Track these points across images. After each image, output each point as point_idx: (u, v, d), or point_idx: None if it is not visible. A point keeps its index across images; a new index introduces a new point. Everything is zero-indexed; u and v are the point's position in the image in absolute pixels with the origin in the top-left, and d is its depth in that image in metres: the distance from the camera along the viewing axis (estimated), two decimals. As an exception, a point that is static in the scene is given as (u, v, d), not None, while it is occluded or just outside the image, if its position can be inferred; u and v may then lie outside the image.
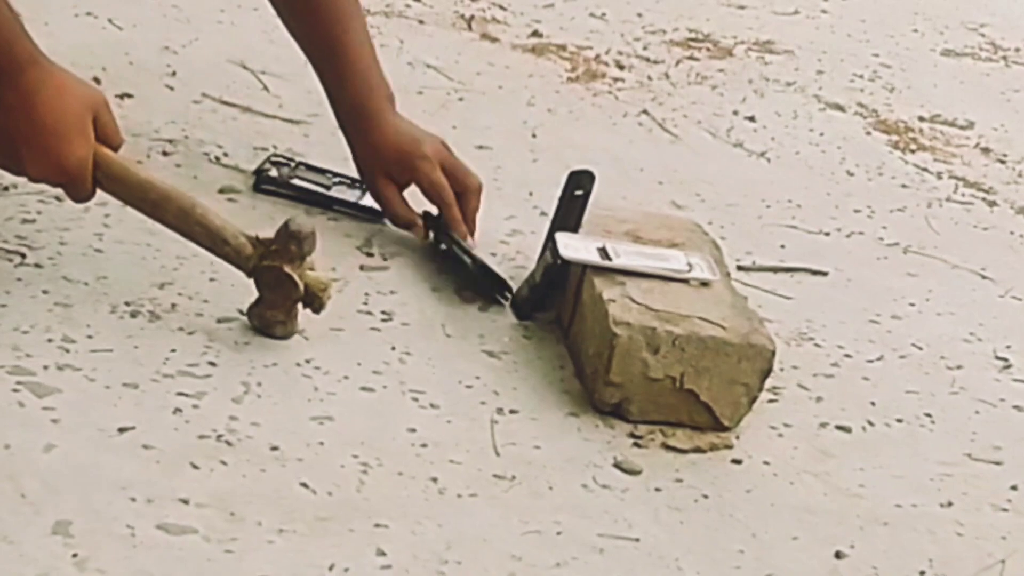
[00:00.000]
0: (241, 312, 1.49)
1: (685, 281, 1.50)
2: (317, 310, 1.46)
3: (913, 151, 2.28)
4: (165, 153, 1.79)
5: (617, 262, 1.51)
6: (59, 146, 1.41)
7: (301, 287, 1.45)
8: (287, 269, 1.45)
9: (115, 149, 1.48)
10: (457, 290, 1.61)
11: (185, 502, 1.21)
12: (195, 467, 1.26)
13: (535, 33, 2.48)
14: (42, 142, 1.41)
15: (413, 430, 1.37)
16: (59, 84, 1.42)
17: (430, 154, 1.69)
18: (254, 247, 1.47)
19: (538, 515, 1.29)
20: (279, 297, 1.45)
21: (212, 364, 1.40)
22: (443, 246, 1.66)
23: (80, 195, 1.48)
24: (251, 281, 1.46)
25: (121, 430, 1.28)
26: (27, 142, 1.40)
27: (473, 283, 1.61)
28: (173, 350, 1.41)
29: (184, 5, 2.23)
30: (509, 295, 1.60)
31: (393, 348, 1.49)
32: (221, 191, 1.73)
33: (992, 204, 2.14)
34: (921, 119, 2.41)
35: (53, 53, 1.96)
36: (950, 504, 1.43)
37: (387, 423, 1.37)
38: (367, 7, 2.43)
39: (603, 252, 1.52)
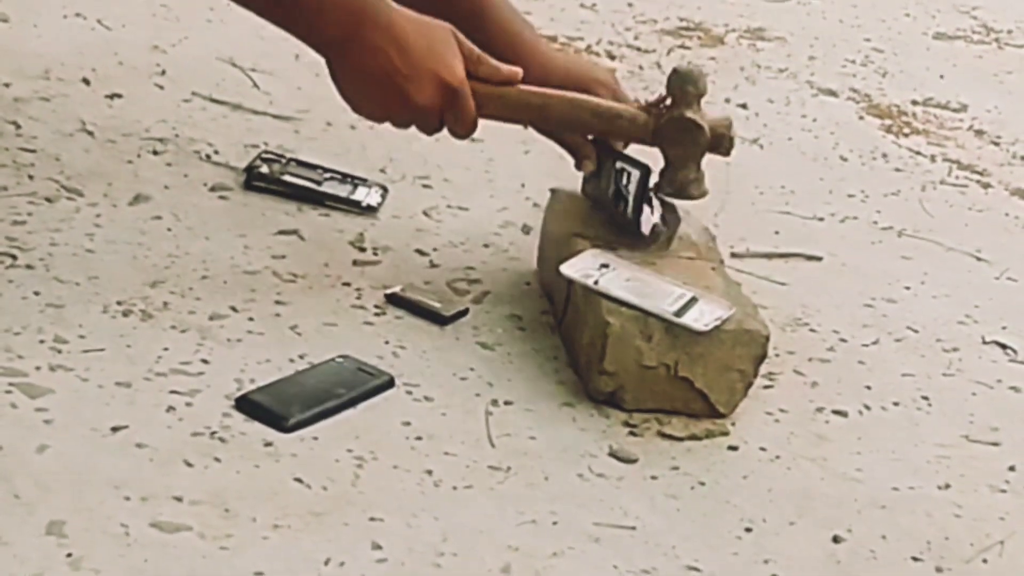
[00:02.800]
0: (234, 309, 1.49)
1: (665, 322, 1.42)
2: (727, 151, 1.45)
3: (906, 135, 2.27)
4: (155, 152, 1.79)
5: (602, 286, 1.45)
6: (437, 65, 1.44)
7: (707, 129, 1.43)
8: (689, 115, 1.43)
9: (481, 62, 1.48)
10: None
11: (179, 500, 1.21)
12: (189, 465, 1.26)
13: (526, 25, 2.47)
14: (422, 67, 1.44)
15: (408, 423, 1.37)
16: (412, 16, 1.46)
17: (603, 79, 1.62)
18: (648, 112, 1.45)
19: (534, 505, 1.29)
20: (689, 149, 1.43)
21: (205, 362, 1.40)
22: (618, 166, 1.52)
23: (466, 116, 1.47)
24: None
25: (114, 429, 1.28)
26: (407, 74, 1.43)
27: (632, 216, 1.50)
28: (166, 348, 1.40)
29: (173, 4, 2.22)
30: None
31: (387, 342, 1.49)
32: (212, 189, 1.72)
33: (986, 186, 2.13)
34: (914, 103, 2.40)
35: (42, 55, 1.98)
36: (948, 486, 1.43)
37: (381, 417, 1.37)
38: None
39: (603, 268, 1.48)
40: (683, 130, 1.43)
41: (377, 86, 1.45)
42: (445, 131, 1.53)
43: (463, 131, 1.50)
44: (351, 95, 1.48)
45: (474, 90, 1.47)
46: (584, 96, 1.49)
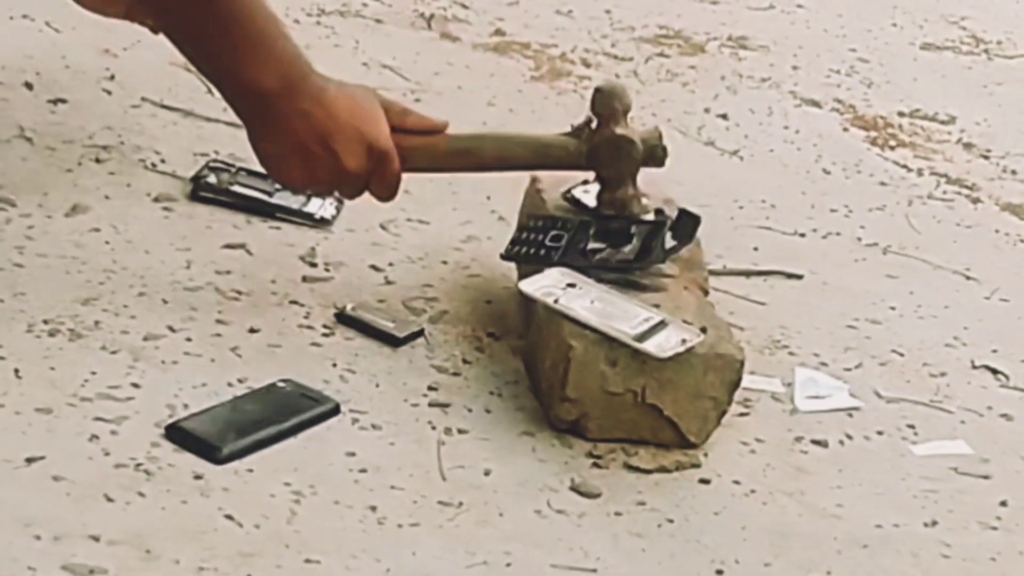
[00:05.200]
0: (171, 328, 1.39)
1: (628, 347, 1.33)
2: (661, 162, 1.43)
3: (892, 147, 2.22)
4: (98, 160, 1.70)
5: (562, 305, 1.37)
6: (366, 127, 1.43)
7: (639, 143, 1.40)
8: (619, 131, 1.41)
9: (406, 114, 1.47)
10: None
11: (96, 539, 1.12)
12: (109, 500, 1.17)
13: (497, 31, 2.40)
14: (351, 130, 1.42)
15: (352, 454, 1.28)
16: (337, 82, 1.46)
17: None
18: (576, 136, 1.44)
19: (486, 545, 1.21)
20: (624, 167, 1.42)
21: (135, 386, 1.31)
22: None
23: (391, 177, 1.45)
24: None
25: (29, 460, 1.19)
26: (335, 136, 1.42)
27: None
28: (93, 372, 1.32)
29: (127, 7, 2.14)
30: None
31: (334, 364, 1.40)
32: (156, 200, 1.64)
33: (976, 201, 2.08)
34: (900, 114, 2.34)
35: (-17, 57, 1.90)
36: (935, 523, 1.36)
37: (323, 447, 1.29)
38: (323, 6, 2.36)
39: (568, 287, 1.40)
40: (616, 148, 1.43)
41: (304, 151, 1.42)
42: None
43: (387, 194, 1.48)
44: (274, 160, 1.44)
45: (400, 144, 1.45)
46: (513, 132, 1.49)
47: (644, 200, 1.45)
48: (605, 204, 1.45)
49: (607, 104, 1.43)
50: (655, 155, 1.44)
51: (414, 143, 1.46)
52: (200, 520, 1.16)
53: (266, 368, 1.37)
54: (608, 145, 1.42)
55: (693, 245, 1.51)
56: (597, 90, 1.44)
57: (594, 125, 1.45)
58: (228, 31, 1.39)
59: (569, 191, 1.54)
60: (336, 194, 1.51)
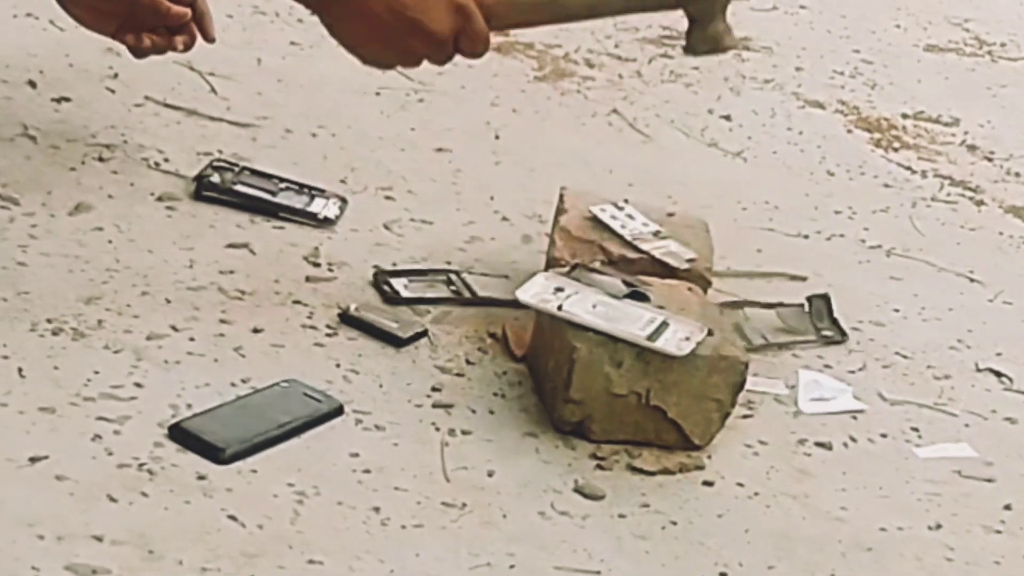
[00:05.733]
0: (174, 328, 1.39)
1: (637, 348, 1.34)
2: None
3: (896, 149, 2.21)
4: (101, 159, 1.70)
5: (566, 311, 1.37)
6: None
7: None
8: None
9: None
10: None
11: (99, 539, 1.11)
12: (112, 500, 1.16)
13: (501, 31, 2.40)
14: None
15: (355, 455, 1.28)
16: None
17: None
18: None
19: (489, 546, 1.20)
20: (713, 2, 1.41)
21: (138, 385, 1.30)
22: None
23: (479, 34, 1.44)
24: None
25: (32, 460, 1.19)
26: (416, 4, 1.40)
27: None
28: (96, 371, 1.31)
29: (131, 5, 2.14)
30: None
31: (338, 365, 1.39)
32: (159, 199, 1.63)
33: (980, 203, 2.07)
34: (904, 116, 2.34)
35: (-11, 55, 1.89)
36: (939, 527, 1.35)
37: (327, 447, 1.28)
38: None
39: (558, 292, 1.40)
40: None
41: (385, 26, 1.42)
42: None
43: (480, 49, 1.47)
44: (358, 42, 1.45)
45: (481, 2, 1.44)
46: None
47: (734, 36, 1.45)
48: (698, 41, 1.44)
49: None
50: None
51: (491, 1, 1.44)
52: (203, 520, 1.16)
53: (269, 368, 1.36)
54: None
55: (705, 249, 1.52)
56: None
57: None
58: None
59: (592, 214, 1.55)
60: (428, 61, 1.48)
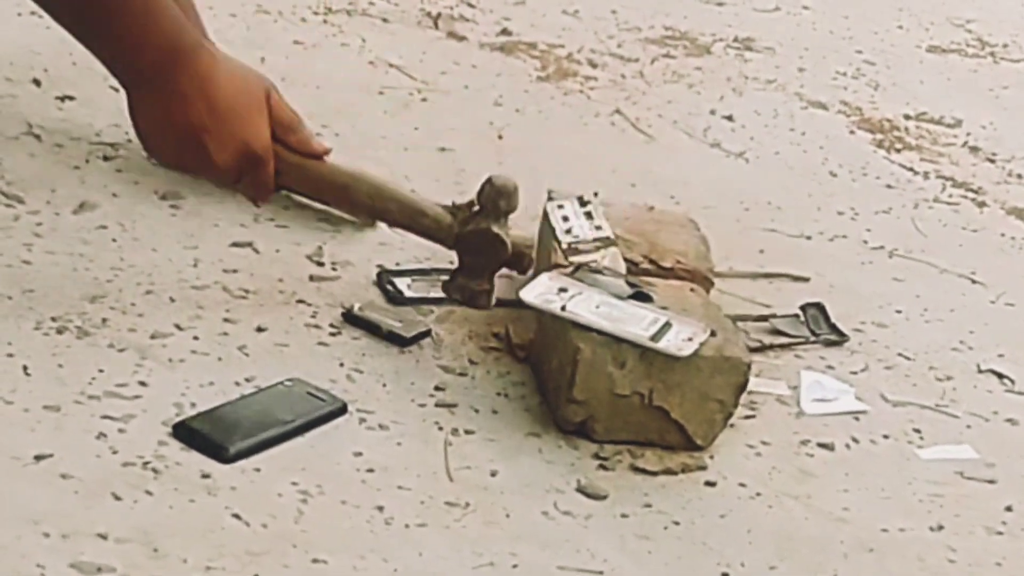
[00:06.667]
0: (179, 327, 1.39)
1: (639, 349, 1.34)
2: (524, 269, 1.41)
3: (898, 150, 2.21)
4: (105, 158, 1.70)
5: (570, 311, 1.37)
6: (243, 128, 1.35)
7: (509, 246, 1.38)
8: (495, 229, 1.38)
9: (292, 130, 1.38)
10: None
11: (104, 537, 1.12)
12: (117, 498, 1.16)
13: (504, 31, 2.39)
14: (226, 127, 1.34)
15: (359, 454, 1.28)
16: (230, 67, 1.36)
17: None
18: (453, 215, 1.40)
19: (493, 546, 1.20)
20: (486, 261, 1.39)
21: (143, 384, 1.31)
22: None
23: (264, 183, 1.38)
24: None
25: (37, 458, 1.19)
26: (210, 129, 1.34)
27: None
28: (101, 369, 1.31)
29: (135, 3, 2.14)
30: None
31: (341, 364, 1.40)
32: (163, 197, 1.63)
33: (981, 205, 2.07)
34: (907, 117, 2.33)
35: (-7, 55, 1.89)
36: (941, 528, 1.35)
37: (331, 447, 1.28)
38: (329, 5, 2.36)
39: (562, 292, 1.39)
40: (486, 242, 1.39)
41: (177, 134, 1.35)
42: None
43: (258, 199, 1.42)
44: (148, 135, 1.37)
45: (280, 156, 1.38)
46: (393, 185, 1.43)
47: (492, 297, 1.41)
48: (454, 287, 1.41)
49: (492, 200, 1.39)
50: (521, 261, 1.41)
51: (293, 160, 1.39)
52: (208, 519, 1.16)
53: (273, 367, 1.36)
54: (479, 237, 1.39)
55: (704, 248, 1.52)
56: (488, 181, 1.40)
57: (475, 210, 1.40)
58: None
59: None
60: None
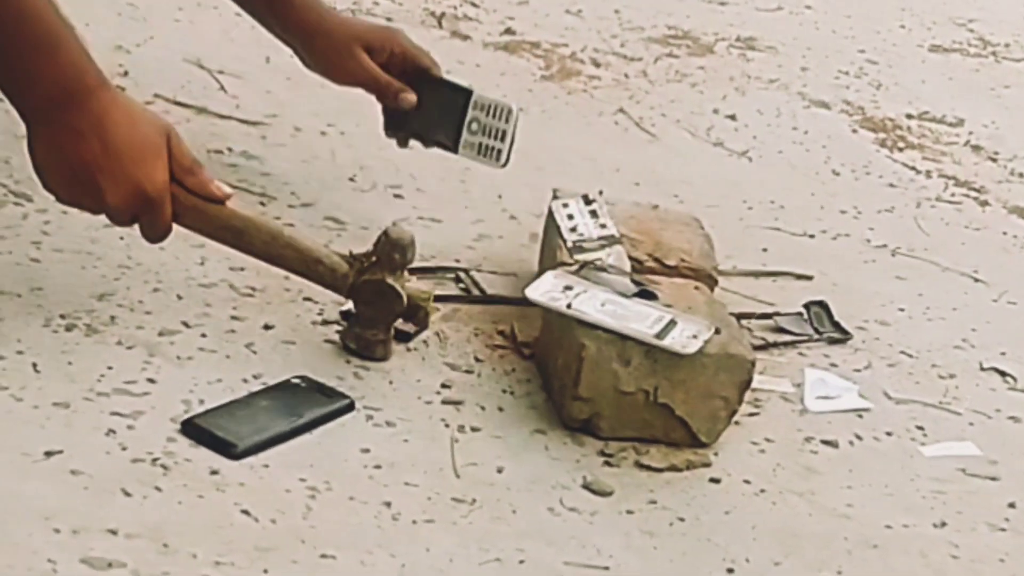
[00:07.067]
0: (186, 324, 1.40)
1: (645, 346, 1.35)
2: (421, 323, 1.41)
3: (901, 149, 2.21)
4: (111, 157, 1.70)
5: (575, 309, 1.37)
6: (137, 170, 1.34)
7: (405, 298, 1.38)
8: (389, 280, 1.38)
9: (191, 173, 1.38)
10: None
11: (114, 533, 1.12)
12: (127, 494, 1.17)
13: (508, 31, 2.40)
14: (120, 167, 1.33)
15: (367, 450, 1.28)
16: (129, 109, 1.36)
17: (399, 34, 1.73)
18: (349, 264, 1.40)
19: (499, 542, 1.21)
20: (381, 312, 1.39)
21: (151, 381, 1.31)
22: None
23: (159, 225, 1.37)
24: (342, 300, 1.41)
25: (48, 454, 1.19)
26: (104, 169, 1.33)
27: None
28: (109, 367, 1.32)
29: (140, 3, 2.14)
30: None
31: (348, 362, 1.40)
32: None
33: (984, 204, 2.07)
34: (909, 116, 2.34)
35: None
36: (944, 524, 1.35)
37: (338, 443, 1.29)
38: (333, 4, 2.36)
39: (567, 290, 1.40)
40: (380, 294, 1.39)
41: (71, 172, 1.34)
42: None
43: (153, 239, 1.40)
44: (43, 170, 1.36)
45: (178, 197, 1.38)
46: (290, 232, 1.43)
47: (388, 347, 1.41)
48: (350, 336, 1.41)
49: (388, 251, 1.39)
50: (417, 314, 1.41)
51: (191, 202, 1.38)
52: (216, 515, 1.16)
53: (280, 364, 1.37)
54: (373, 288, 1.39)
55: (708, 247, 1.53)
56: (385, 233, 1.40)
57: (372, 261, 1.40)
58: (7, 29, 1.30)
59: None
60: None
